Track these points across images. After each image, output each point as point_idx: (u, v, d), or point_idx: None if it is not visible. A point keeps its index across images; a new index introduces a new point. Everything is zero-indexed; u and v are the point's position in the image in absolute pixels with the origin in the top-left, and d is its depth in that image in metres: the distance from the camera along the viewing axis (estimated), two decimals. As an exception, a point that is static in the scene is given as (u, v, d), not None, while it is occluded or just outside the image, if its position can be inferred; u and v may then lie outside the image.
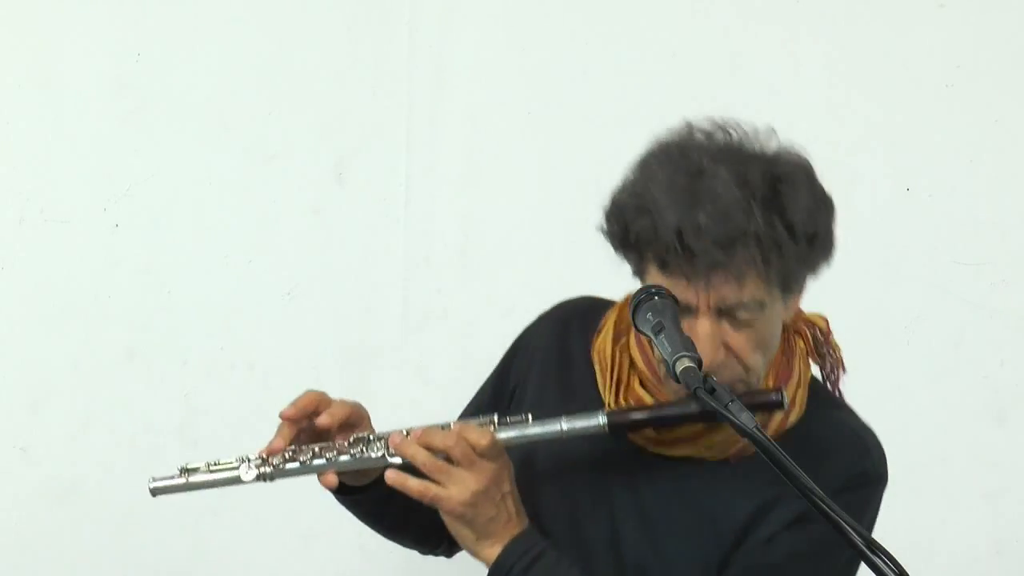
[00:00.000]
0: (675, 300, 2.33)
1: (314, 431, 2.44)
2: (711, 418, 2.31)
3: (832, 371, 2.53)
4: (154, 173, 3.53)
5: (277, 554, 3.58)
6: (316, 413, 2.43)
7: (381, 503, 2.50)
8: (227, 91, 3.55)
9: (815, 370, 2.55)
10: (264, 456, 2.40)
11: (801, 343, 2.49)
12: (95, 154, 3.52)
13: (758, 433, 2.12)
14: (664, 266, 2.32)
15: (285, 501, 3.51)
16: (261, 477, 2.41)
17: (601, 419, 2.38)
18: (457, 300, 3.57)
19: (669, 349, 2.22)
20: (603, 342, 2.50)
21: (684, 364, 2.19)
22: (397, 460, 2.39)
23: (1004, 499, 3.53)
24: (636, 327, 2.32)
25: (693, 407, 2.35)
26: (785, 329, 2.44)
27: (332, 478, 2.39)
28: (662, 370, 2.39)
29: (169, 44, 3.53)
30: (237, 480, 2.42)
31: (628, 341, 2.47)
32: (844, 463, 2.42)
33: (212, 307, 3.55)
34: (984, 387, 3.52)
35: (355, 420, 2.46)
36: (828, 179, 3.55)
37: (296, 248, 3.57)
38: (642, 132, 2.44)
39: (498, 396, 2.61)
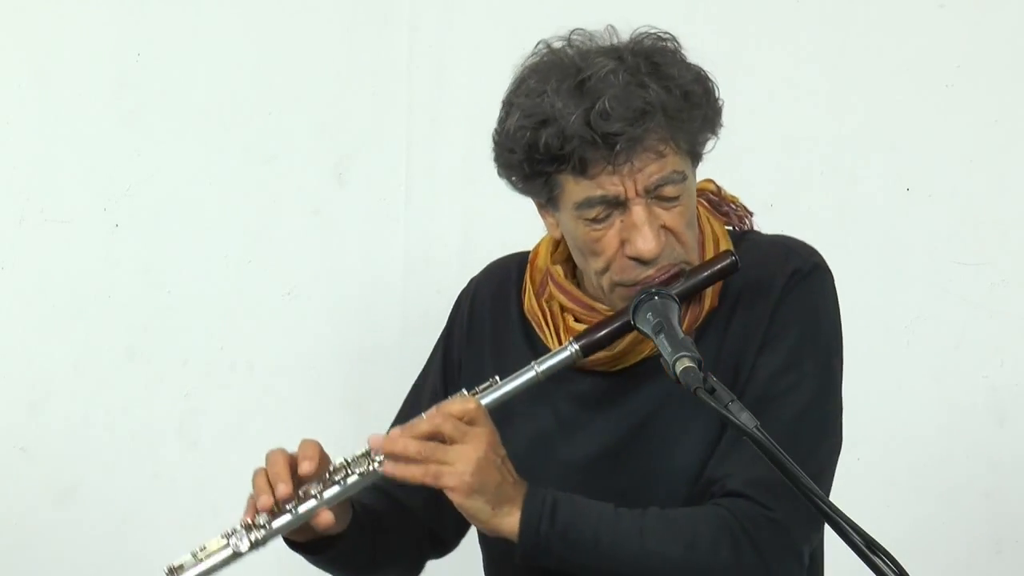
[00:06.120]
0: (675, 300, 2.33)
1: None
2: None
3: (740, 221, 2.55)
4: (154, 173, 3.53)
5: (276, 554, 3.58)
6: (293, 469, 2.35)
7: (348, 552, 2.46)
8: (227, 91, 3.55)
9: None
10: (251, 521, 2.33)
11: (701, 211, 2.50)
12: (95, 154, 3.52)
13: (758, 433, 2.12)
14: (583, 167, 2.34)
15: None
16: (254, 544, 2.33)
17: (572, 347, 2.37)
18: (457, 300, 3.57)
19: (669, 349, 2.22)
20: (529, 301, 2.53)
21: (684, 364, 2.19)
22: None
23: (1004, 499, 3.53)
24: (636, 327, 2.32)
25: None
26: None
27: (326, 515, 2.32)
28: (601, 281, 2.41)
29: (169, 44, 3.53)
30: (233, 557, 2.34)
31: (549, 291, 2.50)
32: (771, 275, 2.43)
33: (212, 307, 3.55)
34: (984, 387, 3.51)
35: (324, 458, 2.39)
36: (828, 179, 3.58)
37: (296, 248, 3.57)
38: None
39: (449, 378, 2.62)
